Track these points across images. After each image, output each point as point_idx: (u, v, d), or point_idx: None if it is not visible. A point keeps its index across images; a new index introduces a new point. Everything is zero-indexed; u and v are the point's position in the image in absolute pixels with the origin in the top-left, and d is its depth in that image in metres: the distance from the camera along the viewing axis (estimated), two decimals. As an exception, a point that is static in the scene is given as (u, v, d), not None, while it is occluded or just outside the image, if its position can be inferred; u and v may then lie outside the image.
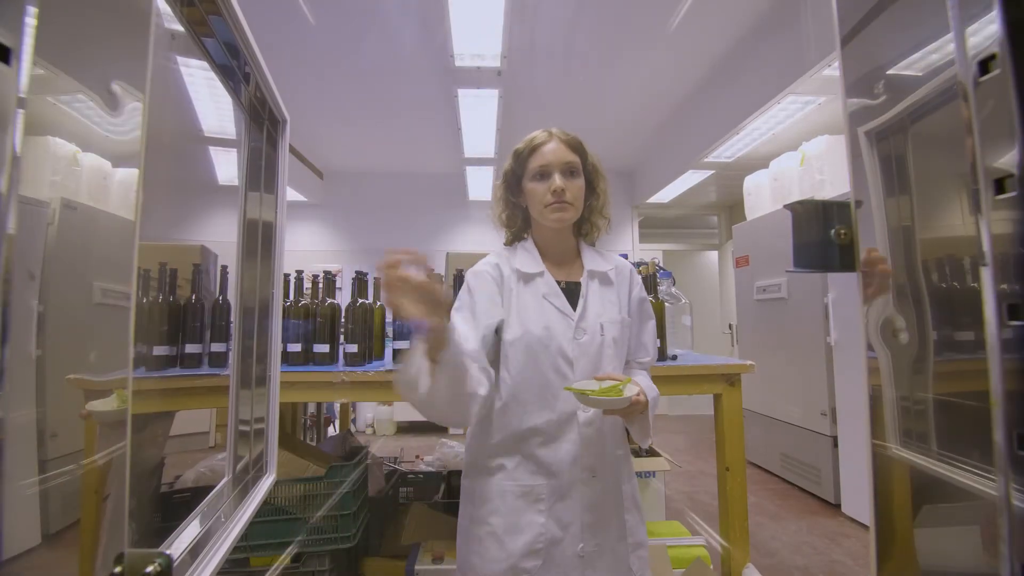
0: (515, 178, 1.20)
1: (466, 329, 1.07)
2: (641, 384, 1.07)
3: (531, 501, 1.07)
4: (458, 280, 1.95)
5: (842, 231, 0.44)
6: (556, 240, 1.19)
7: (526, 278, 1.15)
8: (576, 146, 1.16)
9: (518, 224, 1.23)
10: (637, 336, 1.23)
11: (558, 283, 1.15)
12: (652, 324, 1.26)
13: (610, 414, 1.05)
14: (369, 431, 5.54)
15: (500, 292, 1.14)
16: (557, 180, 1.11)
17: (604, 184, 1.22)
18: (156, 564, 0.52)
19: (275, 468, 1.20)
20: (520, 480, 1.08)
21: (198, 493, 0.91)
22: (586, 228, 1.24)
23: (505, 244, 1.26)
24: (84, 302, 0.47)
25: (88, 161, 0.46)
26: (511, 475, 1.08)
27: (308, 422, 3.69)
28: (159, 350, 1.58)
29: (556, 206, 1.12)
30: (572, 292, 1.16)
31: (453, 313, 1.09)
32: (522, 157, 1.17)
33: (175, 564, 0.66)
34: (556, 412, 1.08)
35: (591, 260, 1.20)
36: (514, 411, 1.09)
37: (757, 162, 4.19)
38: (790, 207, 0.46)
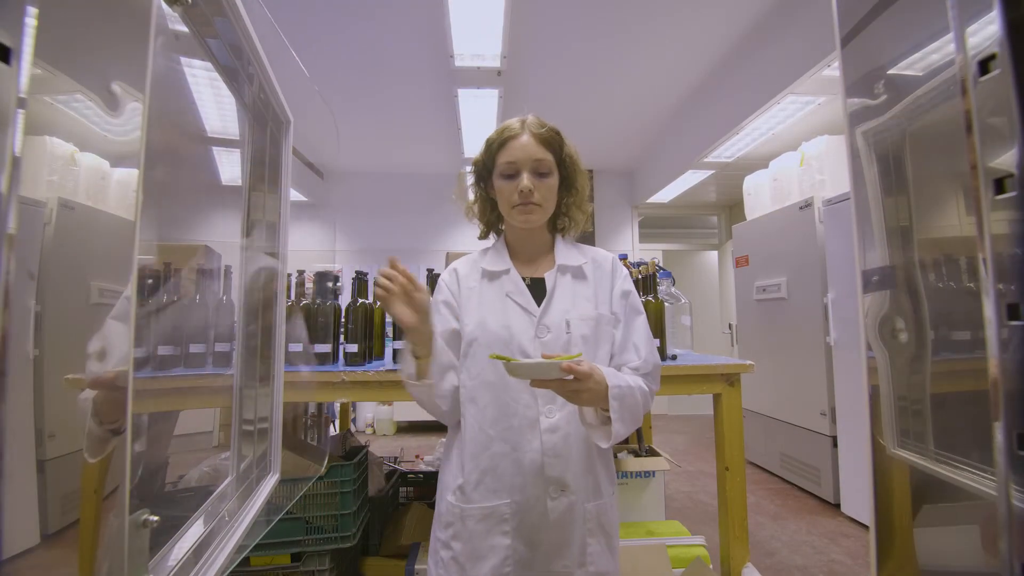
0: (486, 170, 1.13)
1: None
2: (606, 370, 0.93)
3: (494, 523, 0.98)
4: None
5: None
6: (527, 237, 1.14)
7: (491, 276, 1.10)
8: (549, 140, 1.07)
9: (488, 216, 1.18)
10: (624, 336, 1.06)
11: (524, 280, 1.09)
12: (642, 321, 1.09)
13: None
14: (369, 431, 5.54)
15: (456, 297, 1.11)
16: (525, 180, 1.04)
17: (583, 180, 1.15)
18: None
19: (279, 467, 1.20)
20: (480, 502, 0.99)
21: (201, 492, 0.91)
22: (562, 223, 1.16)
23: (479, 238, 1.21)
24: (82, 302, 0.47)
25: (86, 161, 0.46)
26: (470, 496, 1.00)
27: (308, 422, 3.69)
28: (163, 350, 1.58)
29: (522, 208, 1.05)
30: (540, 288, 1.09)
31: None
32: (492, 149, 1.09)
33: (178, 566, 0.66)
34: (517, 417, 1.00)
35: (564, 254, 1.12)
36: (473, 416, 1.03)
37: (757, 162, 4.18)
38: None
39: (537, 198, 1.05)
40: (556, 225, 1.17)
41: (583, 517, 1.01)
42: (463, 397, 1.04)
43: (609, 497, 1.06)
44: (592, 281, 1.10)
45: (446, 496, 1.05)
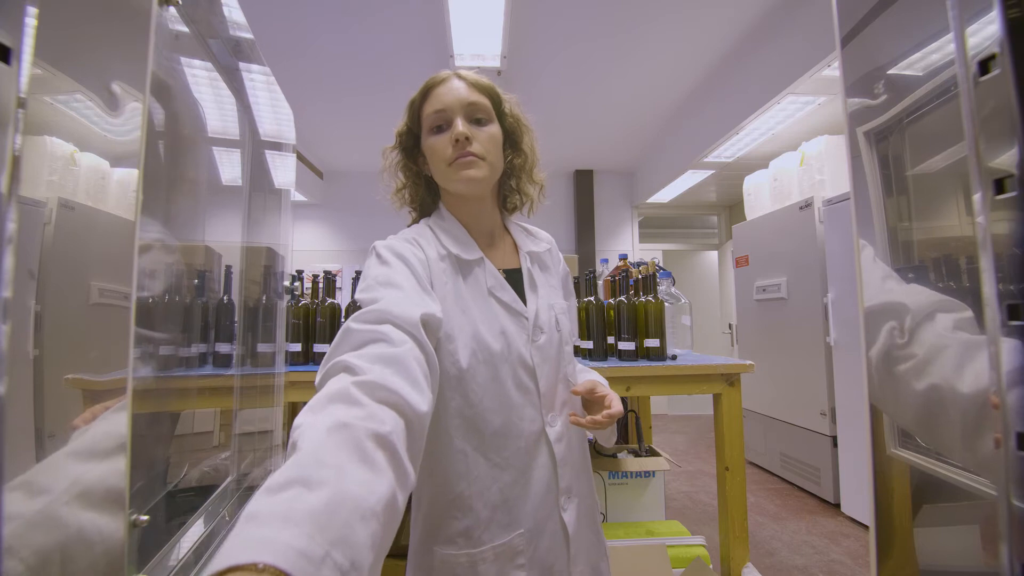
0: (412, 138, 0.93)
1: (399, 296, 0.73)
2: (595, 378, 0.91)
3: (507, 559, 0.83)
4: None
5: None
6: (478, 214, 0.92)
7: (464, 267, 0.87)
8: (483, 86, 0.90)
9: (423, 197, 0.97)
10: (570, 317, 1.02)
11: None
12: (574, 298, 1.07)
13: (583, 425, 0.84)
14: (369, 431, 5.54)
15: (430, 281, 0.84)
16: (459, 126, 0.84)
17: (530, 139, 0.96)
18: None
19: (279, 466, 1.20)
20: (491, 541, 0.82)
21: (201, 492, 0.91)
22: (513, 199, 0.97)
23: (409, 226, 0.97)
24: (82, 302, 0.47)
25: (86, 161, 0.46)
26: (479, 539, 0.82)
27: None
28: (164, 350, 1.58)
29: (462, 161, 0.84)
30: (514, 281, 0.91)
31: (363, 294, 0.76)
32: (415, 106, 0.90)
33: (179, 566, 0.66)
34: (524, 437, 0.85)
35: (524, 239, 0.97)
36: (478, 448, 0.83)
37: (757, 162, 4.18)
38: None
39: (477, 148, 0.85)
40: (506, 203, 0.98)
41: (593, 513, 0.95)
42: (460, 429, 0.83)
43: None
44: (552, 269, 0.99)
45: (438, 549, 0.83)
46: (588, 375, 0.99)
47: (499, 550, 0.83)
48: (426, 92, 0.89)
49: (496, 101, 0.91)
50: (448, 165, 0.85)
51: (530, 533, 0.84)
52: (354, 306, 1.89)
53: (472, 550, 0.82)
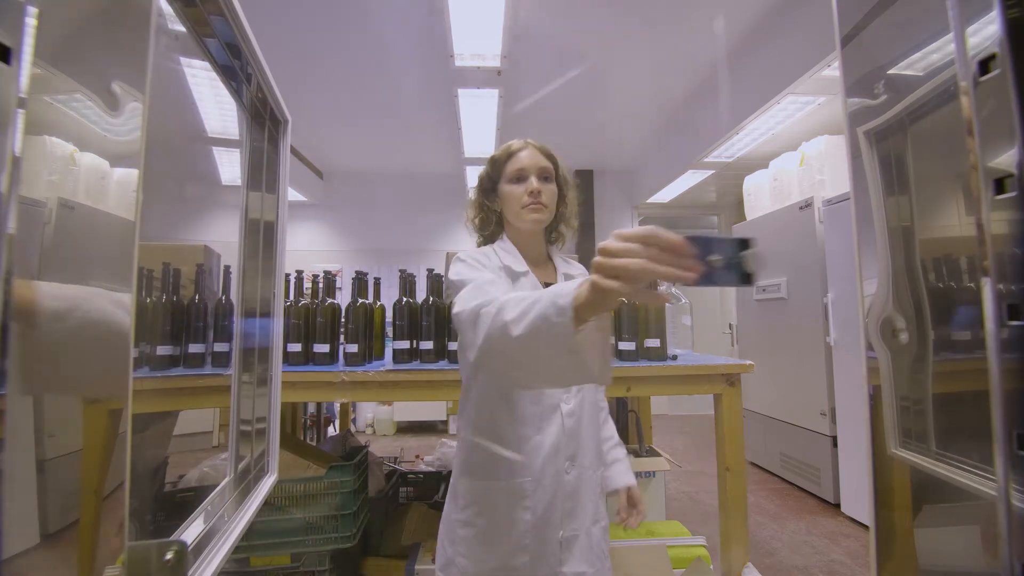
0: (491, 183, 1.24)
1: (493, 277, 1.06)
2: (632, 485, 1.26)
3: (517, 499, 1.09)
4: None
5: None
6: (530, 243, 1.24)
7: (513, 276, 1.19)
8: (549, 153, 1.21)
9: (491, 228, 1.27)
10: None
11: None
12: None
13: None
14: (369, 431, 5.54)
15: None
16: (534, 182, 1.16)
17: (573, 194, 1.27)
18: (172, 552, 0.52)
19: (277, 468, 1.20)
20: (506, 479, 1.10)
21: (201, 492, 0.91)
22: (554, 235, 1.28)
23: (477, 246, 1.28)
24: (84, 302, 0.47)
25: (86, 161, 0.46)
26: (497, 474, 1.11)
27: (308, 422, 3.69)
28: (162, 350, 1.58)
29: (533, 207, 1.16)
30: None
31: (467, 287, 1.00)
32: (499, 163, 1.22)
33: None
34: (541, 404, 1.13)
35: (563, 264, 1.28)
36: (501, 405, 1.13)
37: (757, 162, 4.18)
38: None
39: (544, 199, 1.17)
40: (550, 237, 1.29)
41: (595, 483, 1.19)
42: (492, 390, 1.13)
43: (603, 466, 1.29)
44: None
45: (464, 480, 1.14)
46: (628, 477, 1.30)
47: (511, 488, 1.09)
48: (510, 155, 1.20)
49: (555, 163, 1.22)
50: (522, 208, 1.17)
51: (536, 482, 1.09)
52: (362, 309, 1.91)
53: (490, 482, 1.10)
